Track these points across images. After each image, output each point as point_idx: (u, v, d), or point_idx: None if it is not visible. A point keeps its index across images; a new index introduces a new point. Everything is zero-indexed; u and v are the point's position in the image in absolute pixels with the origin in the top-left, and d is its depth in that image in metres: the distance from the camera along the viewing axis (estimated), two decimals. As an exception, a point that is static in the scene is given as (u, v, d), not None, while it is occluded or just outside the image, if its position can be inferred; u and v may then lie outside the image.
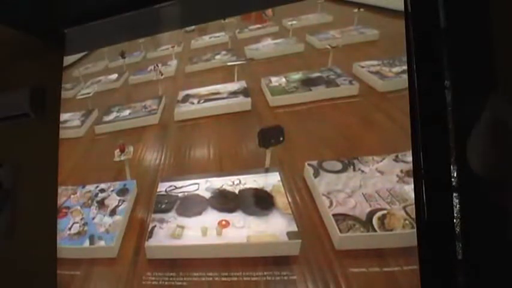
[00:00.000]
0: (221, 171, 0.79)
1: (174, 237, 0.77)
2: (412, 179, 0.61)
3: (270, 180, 0.74)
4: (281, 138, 0.75)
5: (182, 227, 0.77)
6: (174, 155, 0.85)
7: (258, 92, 0.83)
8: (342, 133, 0.71)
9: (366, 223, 0.63)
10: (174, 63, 0.97)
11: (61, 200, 0.94)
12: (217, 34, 0.94)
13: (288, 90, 0.79)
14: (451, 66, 0.60)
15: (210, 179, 0.79)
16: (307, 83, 0.78)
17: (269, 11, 0.89)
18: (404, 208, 0.62)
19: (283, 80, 0.81)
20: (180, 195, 0.81)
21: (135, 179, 0.88)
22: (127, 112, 0.96)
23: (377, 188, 0.65)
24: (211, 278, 0.72)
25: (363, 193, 0.66)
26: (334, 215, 0.65)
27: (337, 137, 0.71)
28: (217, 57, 0.92)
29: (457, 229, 0.56)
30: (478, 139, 0.55)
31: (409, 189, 0.62)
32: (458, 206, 0.57)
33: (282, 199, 0.71)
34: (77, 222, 0.89)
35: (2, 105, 1.15)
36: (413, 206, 0.60)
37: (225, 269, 0.72)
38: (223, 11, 0.91)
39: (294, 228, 0.69)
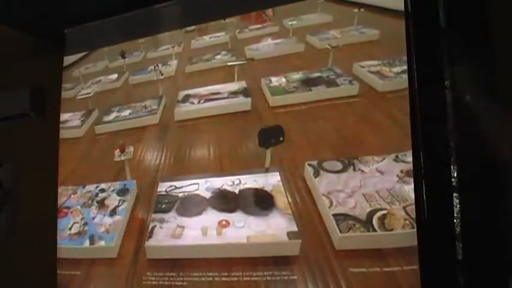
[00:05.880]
0: (221, 171, 0.79)
1: (174, 237, 0.77)
2: (412, 179, 0.61)
3: (270, 180, 0.74)
4: (281, 138, 0.75)
5: (182, 227, 0.77)
6: (174, 155, 0.85)
7: (258, 92, 0.83)
8: (342, 133, 0.71)
9: (366, 223, 0.63)
10: (174, 63, 0.97)
11: (61, 199, 0.94)
12: (217, 34, 0.94)
13: (288, 90, 0.79)
14: (451, 66, 0.60)
15: (210, 179, 0.79)
16: (308, 83, 0.78)
17: (269, 11, 0.89)
18: (404, 208, 0.62)
19: (283, 80, 0.81)
20: (180, 195, 0.81)
21: (135, 179, 0.88)
22: (127, 112, 0.96)
23: (377, 188, 0.65)
24: (211, 278, 0.72)
25: (363, 193, 0.66)
26: (334, 215, 0.65)
27: (337, 137, 0.71)
28: (218, 57, 0.92)
29: (457, 229, 0.56)
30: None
31: (409, 189, 0.62)
32: (458, 206, 0.57)
33: (282, 199, 0.71)
34: (77, 222, 0.89)
35: (2, 105, 1.15)
36: (414, 206, 0.60)
37: (225, 269, 0.72)
38: (224, 11, 0.91)
39: (294, 228, 0.69)
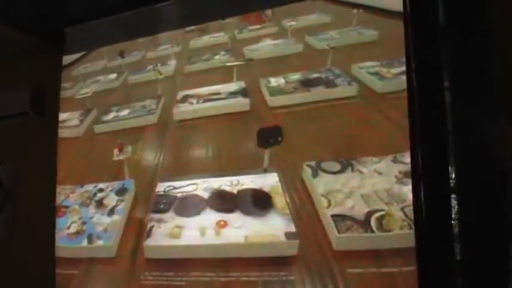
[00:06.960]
0: (219, 172, 0.79)
1: (172, 237, 0.77)
2: (410, 180, 0.61)
3: (268, 181, 0.74)
4: (280, 139, 0.75)
5: (180, 227, 0.77)
6: (173, 155, 0.85)
7: (257, 93, 0.83)
8: (341, 134, 0.71)
9: (364, 224, 0.63)
10: (173, 63, 0.97)
11: (59, 199, 0.94)
12: (216, 34, 0.94)
13: (286, 91, 0.79)
14: (450, 67, 0.60)
15: (208, 179, 0.79)
16: (306, 84, 0.78)
17: (268, 12, 0.89)
18: (402, 209, 0.62)
19: (282, 80, 0.81)
20: (178, 195, 0.80)
21: (133, 178, 0.88)
22: (126, 112, 0.96)
23: (375, 189, 0.65)
24: (209, 278, 0.72)
25: (361, 194, 0.66)
26: (332, 216, 0.65)
27: (335, 137, 0.71)
28: (216, 57, 0.92)
29: (455, 230, 0.56)
30: None
31: (407, 190, 0.62)
32: (456, 207, 0.57)
33: (280, 199, 0.71)
34: (75, 222, 0.89)
35: (1, 104, 1.15)
36: (412, 206, 0.60)
37: (223, 269, 0.72)
38: (223, 11, 0.91)
39: (292, 228, 0.69)
